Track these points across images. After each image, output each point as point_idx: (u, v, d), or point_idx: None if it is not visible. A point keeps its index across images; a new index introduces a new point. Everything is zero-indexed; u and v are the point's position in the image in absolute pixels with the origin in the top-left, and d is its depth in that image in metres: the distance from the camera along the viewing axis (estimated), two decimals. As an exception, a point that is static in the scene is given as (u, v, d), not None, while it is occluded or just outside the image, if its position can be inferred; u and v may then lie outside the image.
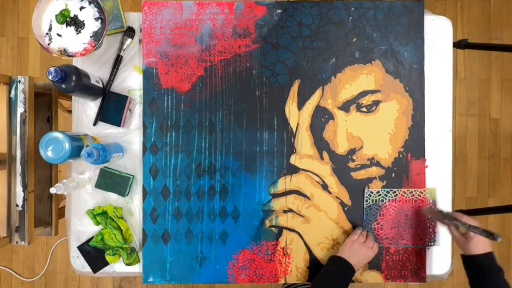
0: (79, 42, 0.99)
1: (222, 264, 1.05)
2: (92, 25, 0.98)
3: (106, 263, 1.05)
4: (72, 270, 1.74)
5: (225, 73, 1.05)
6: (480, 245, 0.92)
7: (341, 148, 1.05)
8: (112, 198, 1.06)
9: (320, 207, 1.05)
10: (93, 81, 0.98)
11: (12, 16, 1.89)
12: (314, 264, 1.05)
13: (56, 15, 0.97)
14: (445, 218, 0.97)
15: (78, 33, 0.98)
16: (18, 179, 1.04)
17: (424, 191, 1.04)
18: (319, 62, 1.05)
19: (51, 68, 0.85)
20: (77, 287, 1.86)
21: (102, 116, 1.05)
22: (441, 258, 1.07)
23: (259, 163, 1.05)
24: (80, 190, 1.06)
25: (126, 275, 1.45)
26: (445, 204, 1.07)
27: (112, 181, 1.04)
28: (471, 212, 1.58)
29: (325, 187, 1.05)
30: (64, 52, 0.99)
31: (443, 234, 1.06)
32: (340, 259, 0.97)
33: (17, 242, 1.05)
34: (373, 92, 1.05)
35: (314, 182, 1.05)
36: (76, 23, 0.98)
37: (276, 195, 1.05)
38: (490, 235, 0.87)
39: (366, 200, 1.04)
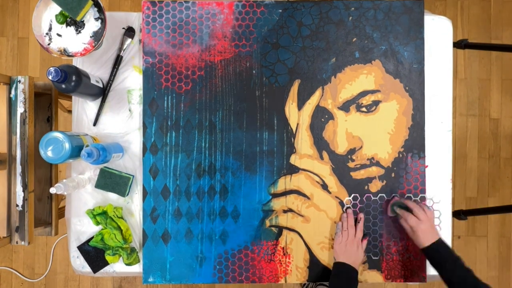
0: (79, 42, 0.99)
1: (222, 264, 1.05)
2: (92, 25, 0.98)
3: (106, 263, 1.05)
4: (72, 270, 1.74)
5: (225, 73, 1.06)
6: (426, 235, 0.92)
7: (341, 148, 1.05)
8: (112, 198, 1.06)
9: (320, 206, 1.05)
10: (93, 81, 0.98)
11: (12, 16, 1.89)
12: (314, 264, 1.05)
13: (56, 15, 0.97)
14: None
15: (78, 33, 0.98)
16: (18, 179, 1.04)
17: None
18: (319, 62, 1.05)
19: (51, 68, 0.85)
20: (77, 287, 1.86)
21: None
22: (441, 258, 1.07)
23: (259, 163, 1.05)
24: (80, 190, 1.06)
25: (126, 275, 1.45)
26: (445, 204, 1.07)
27: (112, 181, 1.04)
28: (471, 212, 1.58)
29: (325, 187, 1.05)
30: (64, 52, 0.99)
31: (443, 233, 1.06)
32: (338, 264, 0.98)
33: (17, 242, 1.05)
34: (373, 92, 1.05)
35: (314, 182, 1.05)
36: (76, 23, 0.98)
37: (276, 195, 1.05)
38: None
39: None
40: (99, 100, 1.06)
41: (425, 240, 0.92)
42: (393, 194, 1.05)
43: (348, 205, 1.05)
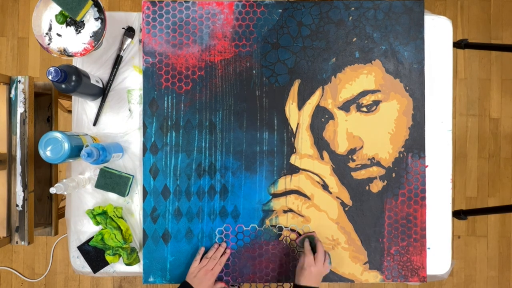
0: (79, 42, 0.99)
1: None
2: (92, 25, 0.98)
3: (106, 263, 1.05)
4: (72, 270, 1.74)
5: (225, 73, 1.05)
6: (310, 278, 0.94)
7: (341, 148, 1.05)
8: (112, 198, 1.06)
9: (321, 207, 1.05)
10: (93, 81, 0.98)
11: (12, 16, 1.89)
12: (314, 264, 1.05)
13: (56, 15, 0.97)
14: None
15: (78, 33, 0.98)
16: (18, 179, 1.04)
17: None
18: (319, 62, 1.05)
19: (51, 68, 0.85)
20: (77, 287, 1.86)
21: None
22: (441, 258, 1.07)
23: (259, 163, 1.05)
24: (80, 190, 1.06)
25: (126, 275, 1.45)
26: (445, 204, 1.07)
27: (112, 181, 1.04)
28: (471, 212, 1.58)
29: (325, 187, 1.05)
30: (64, 52, 0.99)
31: (443, 233, 1.06)
32: (185, 284, 0.97)
33: (17, 242, 1.05)
34: (373, 92, 1.05)
35: (314, 182, 1.05)
36: (76, 23, 0.98)
37: (276, 195, 1.05)
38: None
39: None
40: (99, 100, 1.06)
41: (305, 280, 0.94)
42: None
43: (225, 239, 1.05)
